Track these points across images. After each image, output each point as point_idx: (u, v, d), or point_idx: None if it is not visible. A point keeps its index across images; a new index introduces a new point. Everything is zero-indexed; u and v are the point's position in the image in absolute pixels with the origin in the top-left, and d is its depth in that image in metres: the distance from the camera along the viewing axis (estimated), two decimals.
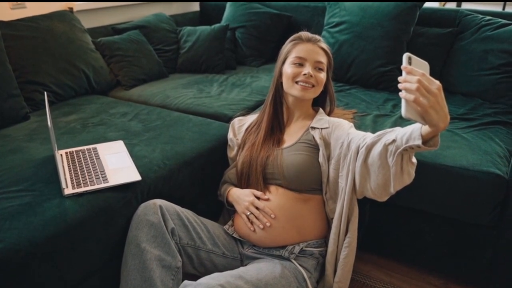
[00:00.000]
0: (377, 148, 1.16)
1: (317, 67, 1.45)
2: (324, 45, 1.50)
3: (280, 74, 1.51)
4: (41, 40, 2.08)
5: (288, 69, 1.46)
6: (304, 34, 1.49)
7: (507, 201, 1.46)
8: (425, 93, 0.91)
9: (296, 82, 1.44)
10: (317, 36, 1.50)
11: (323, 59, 1.47)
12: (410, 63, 0.94)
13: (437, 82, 0.93)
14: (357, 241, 1.40)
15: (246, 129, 1.60)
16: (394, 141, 1.10)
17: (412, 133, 1.04)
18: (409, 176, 1.15)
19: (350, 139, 1.33)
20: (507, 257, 1.52)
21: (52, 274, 1.16)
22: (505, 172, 1.47)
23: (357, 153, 1.26)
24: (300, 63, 1.44)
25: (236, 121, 1.67)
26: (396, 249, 1.74)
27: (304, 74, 1.42)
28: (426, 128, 0.99)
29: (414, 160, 1.15)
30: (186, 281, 1.18)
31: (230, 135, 1.65)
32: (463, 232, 1.58)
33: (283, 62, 1.49)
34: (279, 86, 1.52)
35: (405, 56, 0.94)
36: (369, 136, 1.23)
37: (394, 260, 1.81)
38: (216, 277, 1.18)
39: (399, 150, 1.07)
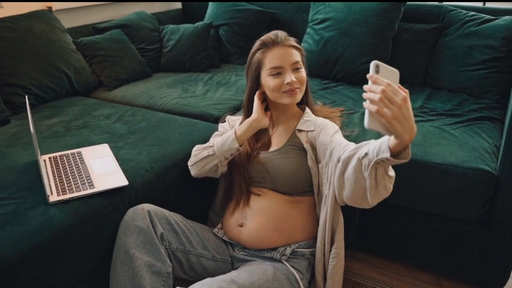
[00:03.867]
0: (352, 163, 1.13)
1: (295, 68, 1.39)
2: (292, 41, 1.41)
3: (257, 84, 1.45)
4: (20, 40, 2.02)
5: (269, 81, 1.39)
6: (267, 38, 1.41)
7: (496, 197, 1.47)
8: (389, 104, 0.87)
9: (283, 92, 1.39)
10: (280, 34, 1.41)
11: (297, 57, 1.40)
12: (378, 71, 0.90)
13: (403, 93, 0.89)
14: (348, 240, 1.38)
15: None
16: (366, 154, 1.07)
17: (381, 145, 1.01)
18: (385, 189, 1.11)
19: (332, 147, 1.29)
20: (497, 253, 1.54)
21: (38, 284, 1.12)
22: (493, 168, 1.48)
23: (337, 165, 1.24)
24: (277, 72, 1.38)
25: (228, 117, 1.63)
26: (387, 247, 1.74)
27: (288, 83, 1.36)
28: (393, 140, 0.95)
29: (391, 173, 1.10)
30: None
31: (225, 125, 1.60)
32: (453, 229, 1.58)
33: (259, 73, 1.43)
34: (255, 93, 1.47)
35: (373, 64, 0.90)
36: (349, 148, 1.20)
37: (384, 258, 1.82)
38: (209, 283, 1.15)
39: (371, 164, 1.04)
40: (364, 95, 0.90)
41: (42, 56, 2.07)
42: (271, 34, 1.41)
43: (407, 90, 0.91)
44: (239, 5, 2.81)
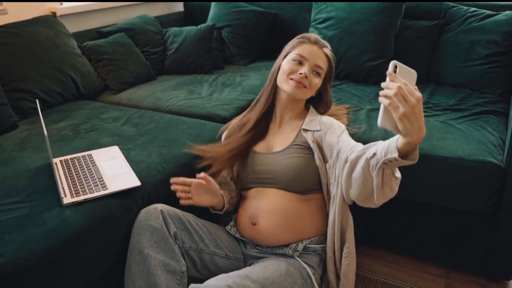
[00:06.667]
0: (360, 163, 1.15)
1: (315, 71, 1.44)
2: (329, 52, 1.48)
3: (278, 68, 1.49)
4: (25, 46, 2.04)
5: (286, 64, 1.44)
6: (313, 36, 1.48)
7: (504, 189, 1.48)
8: (402, 101, 0.89)
9: (291, 79, 1.42)
10: (325, 42, 1.49)
11: (323, 65, 1.45)
12: (395, 71, 0.93)
13: (418, 94, 0.92)
14: (357, 236, 1.40)
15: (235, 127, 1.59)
16: (374, 154, 1.09)
17: (389, 146, 1.03)
18: (391, 190, 1.13)
19: (339, 148, 1.32)
20: (505, 244, 1.55)
21: (54, 285, 1.13)
22: (500, 160, 1.49)
23: (344, 165, 1.25)
24: (299, 61, 1.43)
25: (224, 134, 1.64)
26: (396, 241, 1.75)
27: (300, 73, 1.40)
28: (401, 140, 0.97)
29: (397, 175, 1.13)
30: (192, 285, 1.16)
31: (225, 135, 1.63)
32: (461, 221, 1.60)
33: (284, 57, 1.48)
34: (275, 79, 1.50)
35: (392, 64, 0.93)
36: (356, 149, 1.22)
37: (394, 253, 1.83)
38: (223, 278, 1.17)
39: (379, 164, 1.06)
40: (381, 92, 0.92)
41: (48, 61, 2.09)
42: (316, 36, 1.50)
43: (421, 94, 0.93)
44: (241, 7, 2.83)
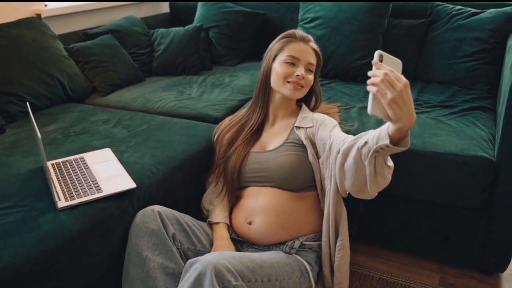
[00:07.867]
0: (352, 153, 1.16)
1: (308, 69, 1.45)
2: (316, 46, 1.50)
3: (269, 70, 1.49)
4: (11, 48, 2.00)
5: (279, 67, 1.44)
6: (298, 32, 1.49)
7: (496, 183, 1.51)
8: (389, 86, 0.90)
9: (288, 82, 1.43)
10: (309, 36, 1.50)
11: (314, 60, 1.48)
12: (381, 61, 0.94)
13: (405, 79, 0.93)
14: (353, 233, 1.40)
15: (226, 127, 1.59)
16: (366, 143, 1.09)
17: (380, 133, 1.03)
18: (384, 179, 1.13)
19: (331, 141, 1.32)
20: (498, 238, 1.57)
21: None
22: (492, 155, 1.52)
23: (337, 157, 1.26)
24: (292, 62, 1.43)
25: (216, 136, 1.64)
26: (391, 237, 1.77)
27: (297, 75, 1.41)
28: (392, 127, 0.98)
29: (390, 163, 1.13)
30: (190, 260, 1.16)
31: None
32: (454, 216, 1.62)
33: (274, 59, 1.48)
34: (268, 82, 1.50)
35: (377, 53, 0.95)
36: (348, 140, 1.22)
37: (388, 249, 1.84)
38: (221, 253, 1.18)
39: (371, 152, 1.06)
40: (368, 81, 0.93)
41: (35, 63, 2.05)
42: (299, 31, 1.49)
43: (406, 79, 0.94)
44: (228, 7, 2.83)
